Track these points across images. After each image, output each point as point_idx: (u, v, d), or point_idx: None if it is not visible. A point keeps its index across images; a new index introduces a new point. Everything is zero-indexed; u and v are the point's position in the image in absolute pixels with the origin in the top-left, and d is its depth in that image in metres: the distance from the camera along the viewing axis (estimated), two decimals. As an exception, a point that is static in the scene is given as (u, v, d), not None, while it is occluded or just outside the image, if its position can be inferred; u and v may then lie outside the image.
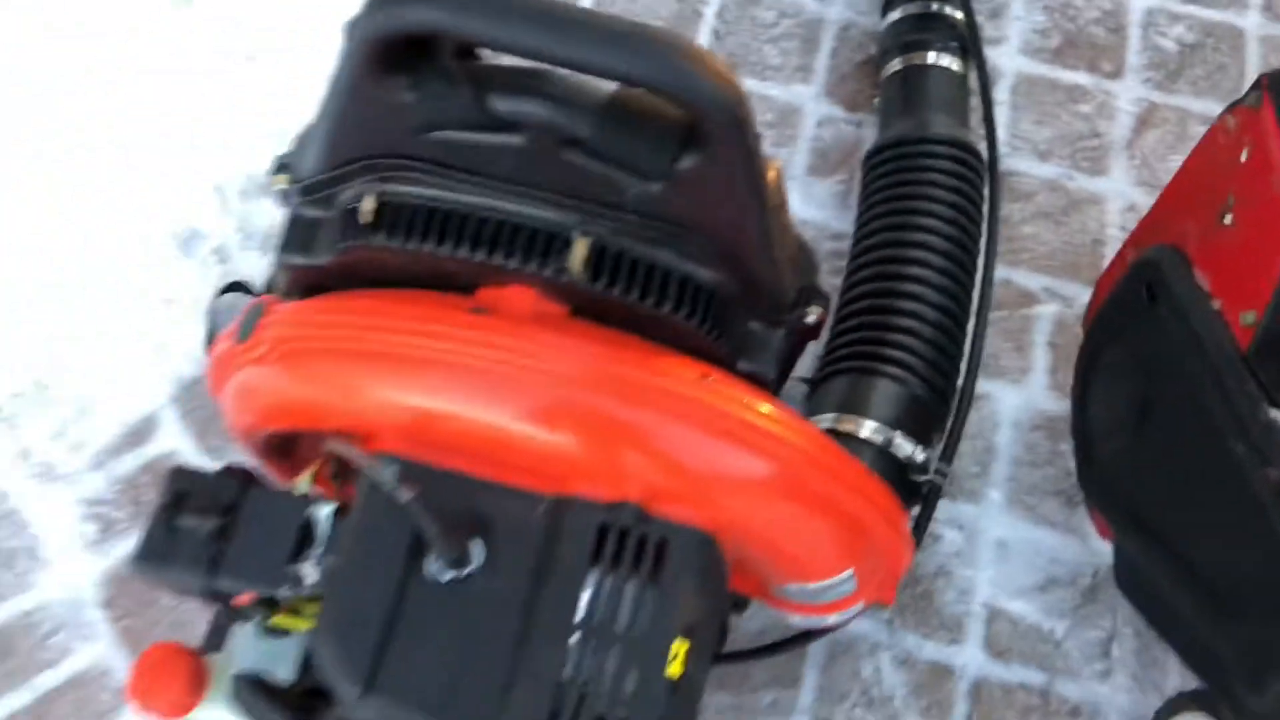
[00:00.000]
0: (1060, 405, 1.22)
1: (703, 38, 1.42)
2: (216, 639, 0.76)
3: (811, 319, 0.76)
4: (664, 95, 0.60)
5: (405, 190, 0.68)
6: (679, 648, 0.66)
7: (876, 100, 1.32)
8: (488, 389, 0.67)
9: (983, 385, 1.24)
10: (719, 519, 0.69)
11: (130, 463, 1.12)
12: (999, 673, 1.11)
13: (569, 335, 0.67)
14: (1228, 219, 0.94)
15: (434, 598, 0.67)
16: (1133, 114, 1.40)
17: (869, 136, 1.33)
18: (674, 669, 0.66)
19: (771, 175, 0.67)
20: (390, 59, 0.61)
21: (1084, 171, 1.37)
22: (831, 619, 0.85)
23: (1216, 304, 0.93)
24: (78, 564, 1.07)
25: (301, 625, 0.74)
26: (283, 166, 0.76)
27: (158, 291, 1.18)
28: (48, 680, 1.03)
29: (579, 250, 0.67)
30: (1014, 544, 1.17)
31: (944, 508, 1.17)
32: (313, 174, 0.72)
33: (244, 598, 0.75)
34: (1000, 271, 1.30)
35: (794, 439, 0.69)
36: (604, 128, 0.62)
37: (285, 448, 0.83)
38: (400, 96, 0.63)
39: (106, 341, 1.15)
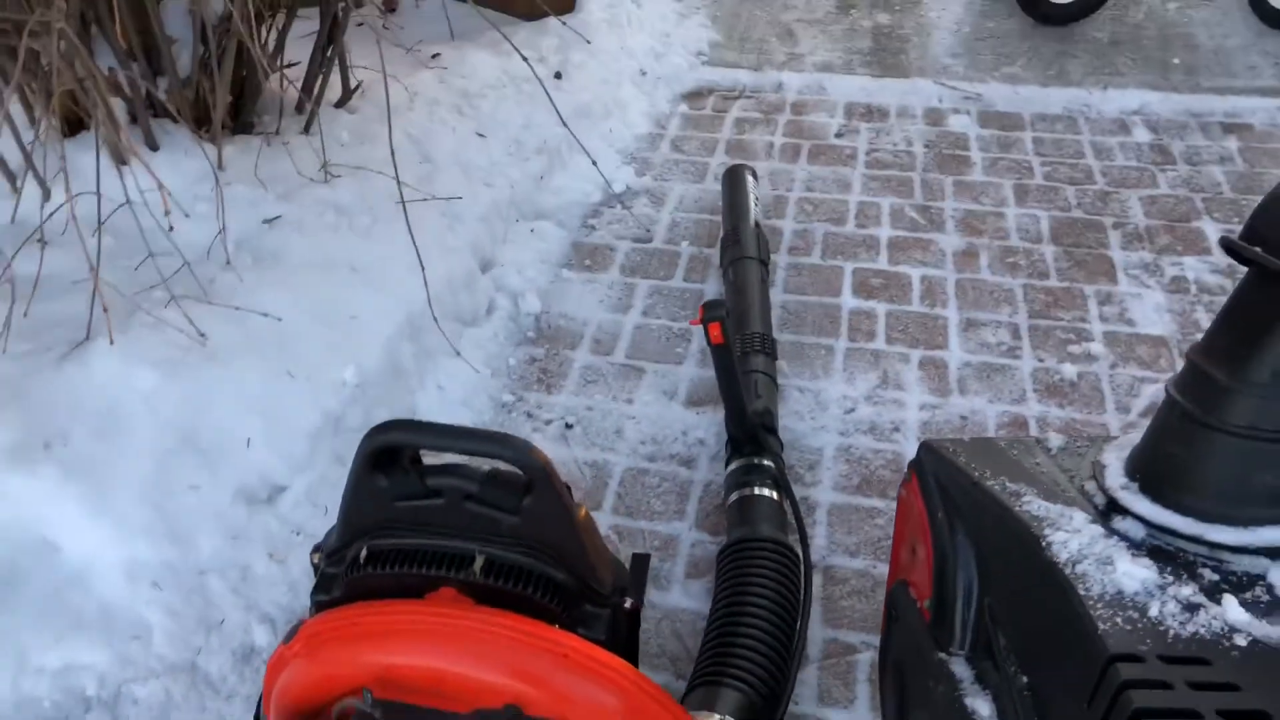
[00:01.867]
0: (878, 720, 1.66)
1: (609, 496, 2.05)
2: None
3: (628, 604, 1.29)
4: (510, 463, 1.19)
5: (383, 542, 1.26)
6: (543, 787, 1.10)
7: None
8: (423, 644, 1.18)
9: (821, 712, 1.69)
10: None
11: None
12: None
13: (475, 610, 1.20)
14: (916, 551, 1.49)
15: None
16: (914, 521, 1.99)
17: (725, 549, 1.91)
18: (539, 799, 1.09)
19: (582, 512, 1.25)
20: (377, 461, 1.22)
21: (882, 562, 1.92)
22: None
23: (918, 603, 1.45)
24: None
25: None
26: (317, 549, 1.34)
27: (226, 691, 1.68)
28: None
29: (479, 562, 1.23)
30: (851, 822, 1.54)
31: (796, 800, 1.56)
32: (333, 546, 1.31)
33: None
34: (828, 632, 1.80)
35: (627, 673, 1.19)
36: (484, 486, 1.21)
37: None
38: (380, 482, 1.22)
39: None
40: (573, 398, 2.28)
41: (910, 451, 2.13)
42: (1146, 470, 1.28)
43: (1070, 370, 2.31)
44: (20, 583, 1.71)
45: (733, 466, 1.95)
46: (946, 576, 1.36)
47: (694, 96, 3.41)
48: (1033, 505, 1.30)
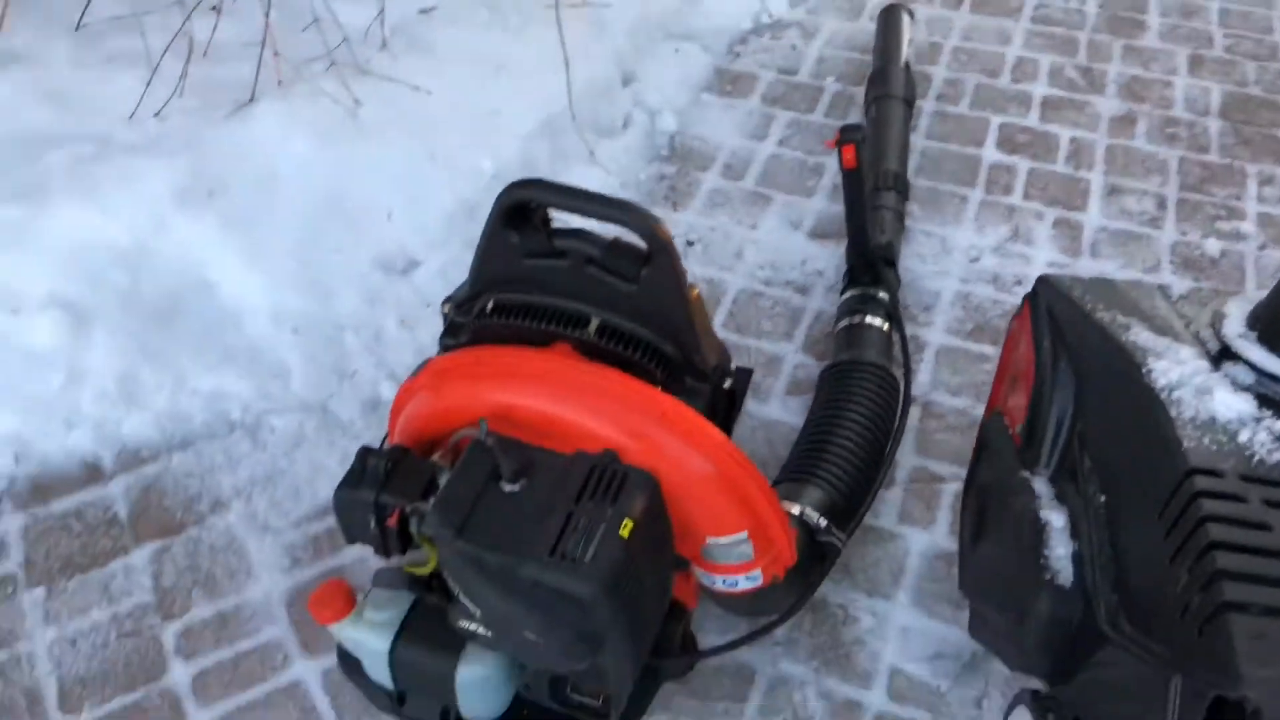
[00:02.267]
0: (954, 545, 1.71)
1: (721, 312, 2.11)
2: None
3: (727, 385, 1.36)
4: (633, 231, 1.25)
5: (509, 296, 1.35)
6: (628, 525, 1.20)
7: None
8: (538, 388, 1.28)
9: (900, 528, 1.75)
10: (665, 475, 1.24)
11: (316, 527, 1.72)
12: (896, 711, 1.53)
13: (587, 364, 1.29)
14: (1016, 381, 1.51)
15: (501, 498, 1.24)
16: (1022, 370, 1.99)
17: (829, 372, 1.96)
18: (624, 533, 1.19)
19: (695, 292, 1.31)
20: (510, 216, 1.30)
21: (982, 403, 1.93)
22: (741, 581, 1.35)
23: (1010, 430, 1.48)
24: (273, 581, 1.65)
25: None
26: (448, 299, 1.45)
27: (354, 433, 1.84)
28: (244, 645, 1.57)
29: (594, 324, 1.31)
30: (914, 629, 1.62)
31: (863, 601, 1.65)
32: (463, 296, 1.40)
33: (394, 518, 1.32)
34: (918, 460, 1.85)
35: (717, 437, 1.26)
36: (606, 252, 1.28)
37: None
38: (512, 238, 1.31)
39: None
40: (697, 217, 2.32)
41: (1029, 305, 2.12)
42: (1268, 321, 1.27)
43: (1213, 246, 2.23)
44: (182, 314, 1.88)
45: (847, 295, 1.98)
46: (1043, 402, 1.39)
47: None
48: (1140, 337, 1.31)
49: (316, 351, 1.91)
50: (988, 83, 2.68)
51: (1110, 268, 2.19)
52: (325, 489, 1.76)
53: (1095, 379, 1.33)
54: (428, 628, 1.39)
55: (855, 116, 2.57)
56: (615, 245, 1.30)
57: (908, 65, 2.51)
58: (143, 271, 1.87)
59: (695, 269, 2.20)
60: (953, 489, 1.81)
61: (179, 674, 1.54)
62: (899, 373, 1.83)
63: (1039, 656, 1.26)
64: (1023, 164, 2.45)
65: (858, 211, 1.92)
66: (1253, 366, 1.24)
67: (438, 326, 1.96)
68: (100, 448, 1.80)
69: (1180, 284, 2.15)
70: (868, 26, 2.85)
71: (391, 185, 2.03)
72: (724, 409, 1.40)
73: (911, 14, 2.71)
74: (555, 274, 1.33)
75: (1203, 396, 1.17)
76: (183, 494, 1.76)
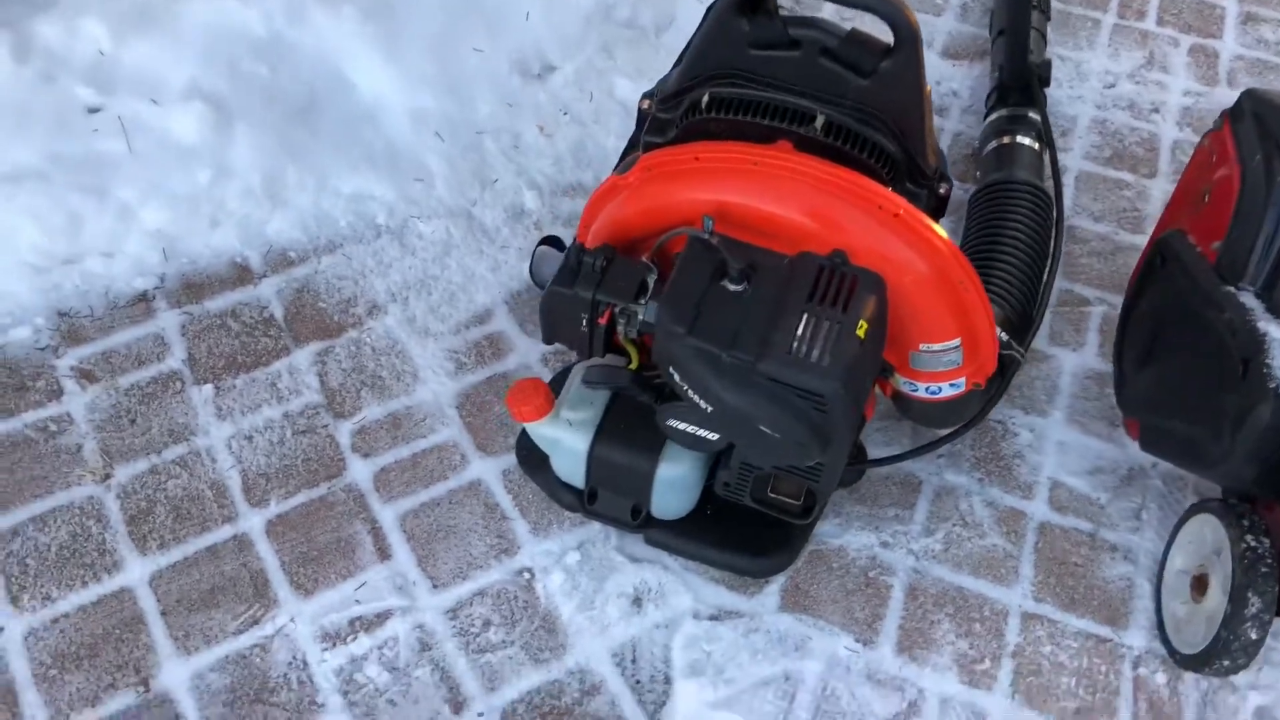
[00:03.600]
0: (1105, 366, 1.73)
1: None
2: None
3: (943, 190, 1.34)
4: (884, 17, 1.21)
5: (727, 90, 1.30)
6: (862, 326, 1.20)
7: (978, 173, 1.93)
8: (761, 185, 1.25)
9: (1051, 349, 1.76)
10: (891, 279, 1.23)
11: (476, 333, 1.71)
12: (1058, 519, 1.57)
13: (816, 161, 1.26)
14: (1206, 199, 1.50)
15: (727, 296, 1.22)
16: (1160, 200, 1.98)
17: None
18: (860, 333, 1.19)
19: (928, 89, 1.27)
20: (743, 3, 1.25)
21: (1126, 230, 1.93)
22: (945, 388, 1.37)
23: (1198, 249, 1.47)
24: (440, 384, 1.65)
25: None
26: (647, 95, 1.40)
27: (500, 241, 1.81)
28: (420, 445, 1.58)
29: (819, 120, 1.27)
30: (1071, 444, 1.65)
31: (1020, 418, 1.67)
32: (669, 91, 1.36)
33: (605, 316, 1.31)
34: (1065, 284, 1.85)
35: (945, 242, 1.25)
36: (845, 43, 1.24)
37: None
38: (743, 25, 1.26)
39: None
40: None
41: (1167, 134, 2.09)
42: None
43: (1352, 80, 2.19)
44: (321, 111, 1.82)
45: (996, 115, 1.93)
46: (1253, 215, 1.37)
47: None
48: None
49: (456, 156, 1.86)
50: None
51: (1247, 98, 2.14)
52: (481, 295, 1.75)
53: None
54: (626, 427, 1.40)
55: (980, -69, 2.46)
56: (854, 36, 1.25)
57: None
58: (282, 64, 1.79)
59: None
60: (1100, 312, 1.82)
61: (359, 470, 1.55)
62: (1051, 191, 1.81)
63: (1247, 465, 1.29)
64: (1158, -18, 2.36)
65: (1022, 27, 1.85)
66: None
67: (574, 138, 1.92)
68: (247, 247, 1.76)
69: None
70: None
71: (528, -18, 1.94)
72: (940, 214, 1.38)
73: None
74: (783, 65, 1.28)
75: None
76: (336, 296, 1.74)
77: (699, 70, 1.33)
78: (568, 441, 1.41)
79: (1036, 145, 1.88)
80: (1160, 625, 1.47)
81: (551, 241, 1.77)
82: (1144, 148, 2.07)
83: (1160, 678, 1.43)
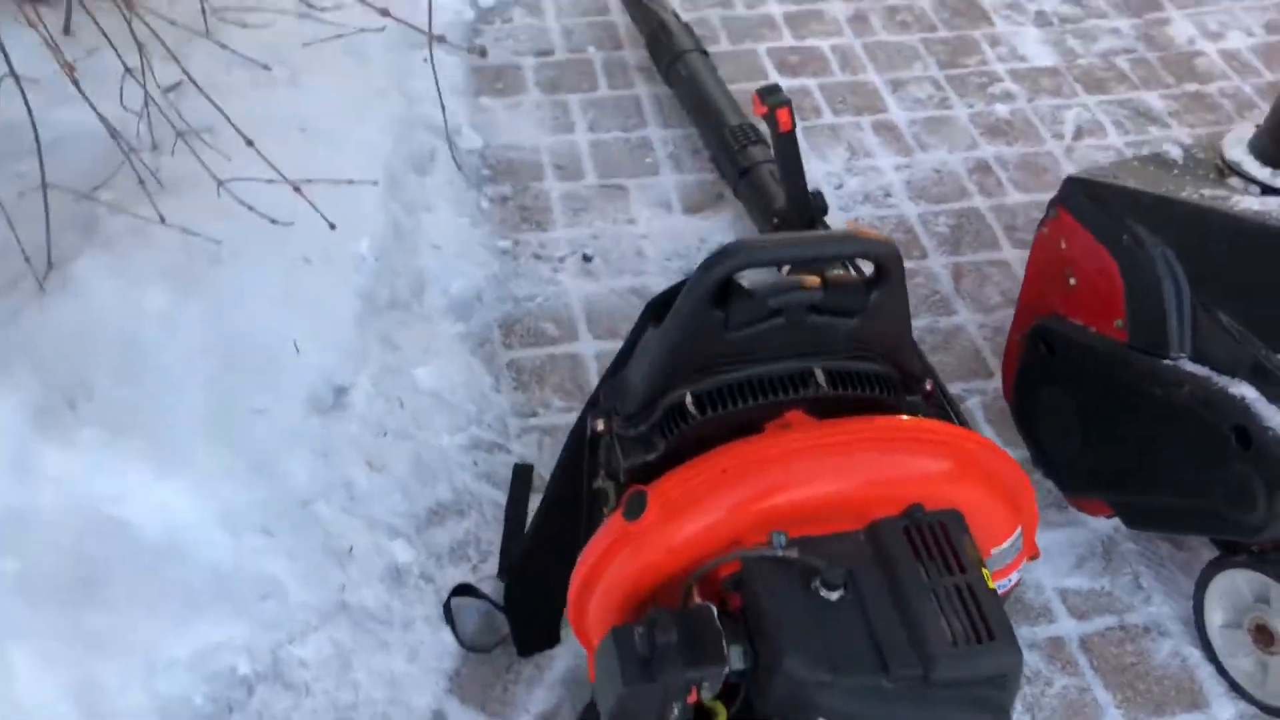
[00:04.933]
0: (1019, 453, 1.74)
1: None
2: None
3: (928, 387, 1.25)
4: (865, 257, 1.09)
5: (710, 382, 1.12)
6: (985, 572, 1.07)
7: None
8: (810, 468, 1.09)
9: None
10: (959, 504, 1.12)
11: None
12: (1089, 627, 1.55)
13: (840, 424, 1.11)
14: (1072, 281, 1.54)
15: (835, 611, 1.04)
16: (947, 276, 2.06)
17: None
18: (990, 583, 1.07)
19: (905, 299, 1.18)
20: (719, 293, 1.07)
21: (943, 315, 1.98)
22: (1013, 577, 1.28)
23: (1093, 329, 1.51)
24: None
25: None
26: (597, 413, 1.18)
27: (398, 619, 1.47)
28: None
29: (820, 377, 1.13)
30: (1046, 546, 1.63)
31: (992, 543, 1.63)
32: (633, 405, 1.15)
33: (693, 695, 1.07)
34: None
35: (978, 443, 1.15)
36: (829, 293, 1.10)
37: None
38: (718, 316, 1.08)
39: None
40: (571, 230, 2.10)
41: (908, 211, 2.19)
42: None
43: (1001, 109, 2.43)
44: (105, 577, 1.38)
45: (796, 257, 1.89)
46: (1149, 290, 1.43)
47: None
48: (1233, 200, 1.39)
49: (294, 545, 1.48)
50: (728, 14, 2.68)
51: (942, 154, 2.31)
52: (418, 697, 1.40)
53: (1203, 249, 1.39)
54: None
55: (643, 83, 2.45)
56: (835, 282, 1.12)
57: (674, 14, 2.43)
58: (26, 543, 1.33)
59: (611, 283, 2.00)
60: (976, 403, 1.84)
61: None
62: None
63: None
64: (810, 83, 2.49)
65: (796, 171, 1.84)
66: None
67: (408, 456, 1.63)
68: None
69: (1000, 151, 2.33)
70: (585, -10, 2.72)
71: (280, 309, 1.60)
72: (936, 412, 1.28)
73: (640, -38, 2.61)
74: (767, 337, 1.12)
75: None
76: (242, 794, 1.31)
77: (670, 373, 1.13)
78: None
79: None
80: (1234, 686, 1.49)
81: (464, 591, 1.48)
82: (900, 230, 2.15)
83: (1270, 737, 1.44)
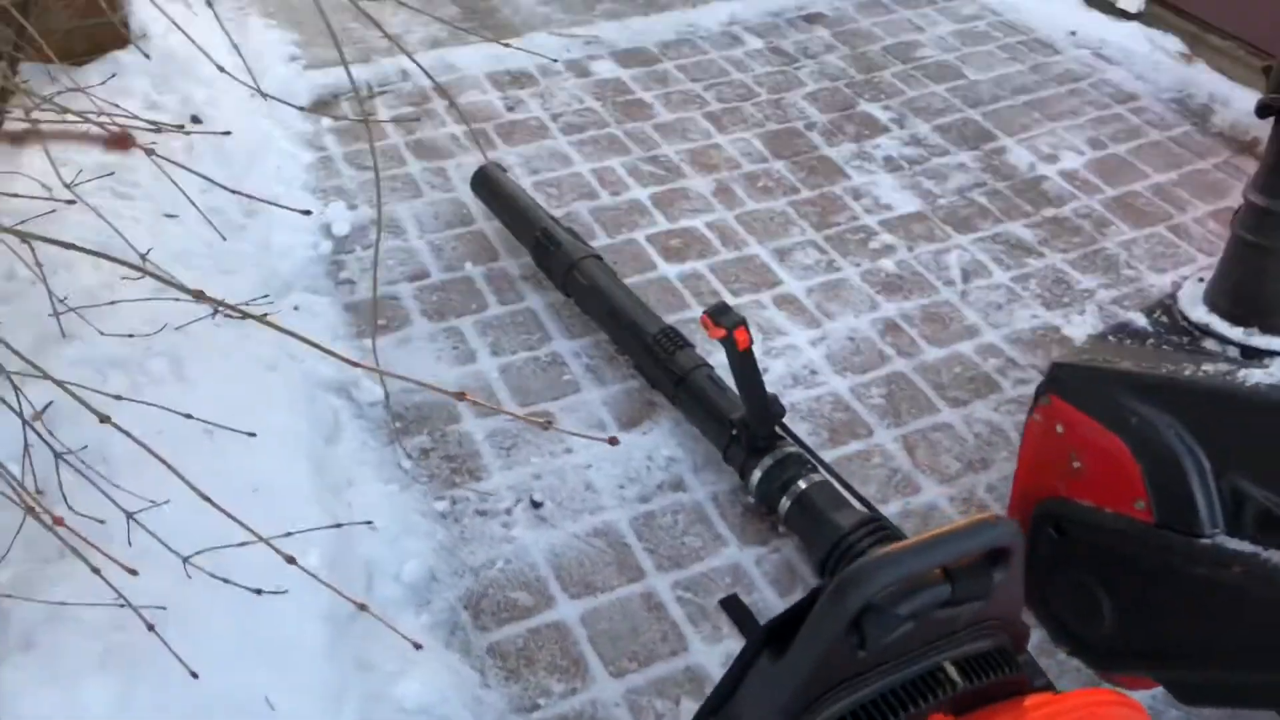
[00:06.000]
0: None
1: (641, 556, 1.80)
2: None
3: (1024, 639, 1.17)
4: (991, 544, 1.00)
5: (841, 705, 0.99)
6: None
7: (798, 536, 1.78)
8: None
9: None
10: None
11: None
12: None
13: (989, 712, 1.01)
14: (1076, 464, 1.52)
15: None
16: (898, 448, 2.02)
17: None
18: None
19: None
20: (851, 621, 0.95)
21: (900, 494, 1.93)
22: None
23: (1108, 510, 1.49)
24: None
25: None
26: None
27: None
28: None
29: (952, 673, 1.02)
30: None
31: None
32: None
33: None
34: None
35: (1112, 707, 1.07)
36: (956, 588, 1.00)
37: None
38: (853, 640, 0.96)
39: None
40: (508, 474, 1.93)
41: (839, 387, 2.16)
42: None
43: (887, 264, 2.46)
44: None
45: (766, 466, 1.80)
46: (1169, 470, 1.42)
47: (324, 106, 2.94)
48: (1240, 375, 1.40)
49: None
50: (596, 205, 2.61)
51: (849, 320, 2.31)
52: None
53: (1225, 422, 1.39)
54: None
55: (534, 293, 2.33)
56: (960, 572, 1.02)
57: (554, 219, 2.34)
58: None
59: (569, 528, 1.83)
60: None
61: None
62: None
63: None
64: (700, 265, 2.44)
65: (756, 382, 1.76)
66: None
67: None
68: None
69: (901, 306, 2.35)
70: (441, 197, 2.59)
71: (241, 661, 1.35)
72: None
73: (502, 167, 2.52)
74: (899, 642, 1.00)
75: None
76: None
77: (798, 709, 0.99)
78: None
79: (818, 475, 1.79)
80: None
81: None
82: (838, 409, 2.11)
83: None
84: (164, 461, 1.25)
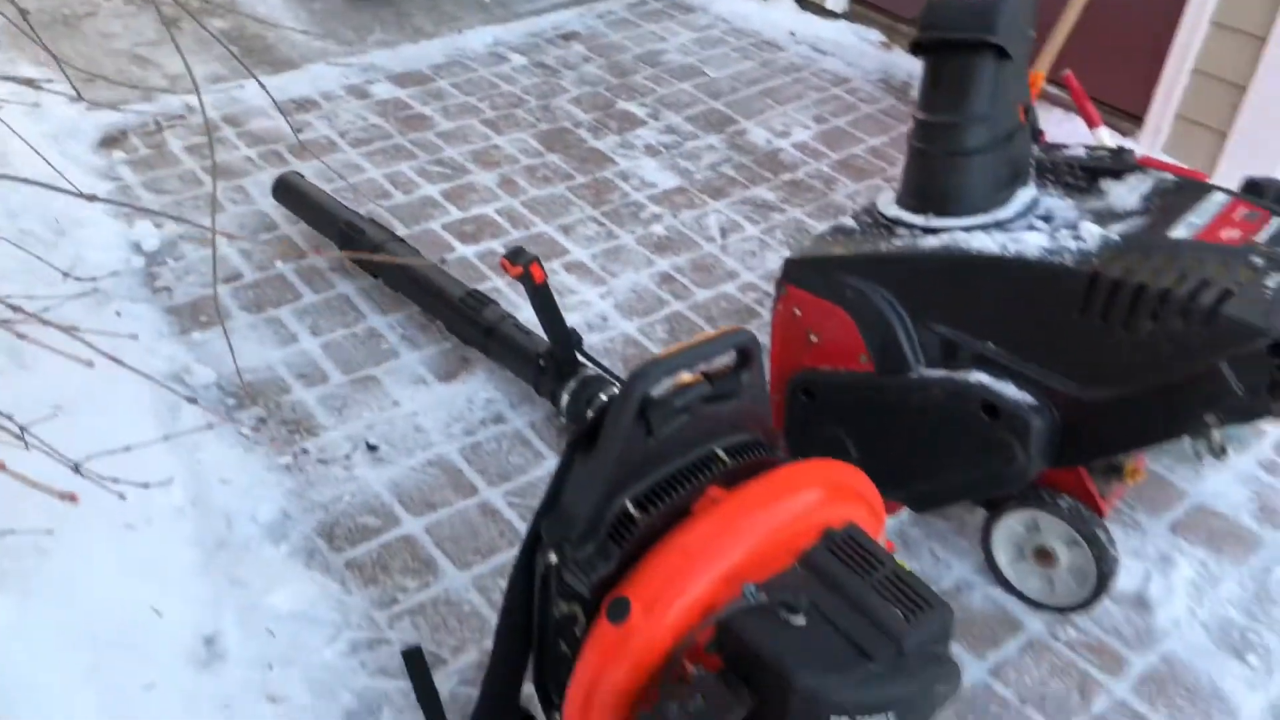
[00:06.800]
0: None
1: (476, 479, 2.05)
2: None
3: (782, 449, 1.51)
4: (734, 348, 1.31)
5: (642, 485, 1.29)
6: (901, 562, 1.33)
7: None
8: (749, 525, 1.29)
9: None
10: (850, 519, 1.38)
11: None
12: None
13: (752, 486, 1.32)
14: (814, 338, 1.90)
15: (810, 632, 1.24)
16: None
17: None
18: (906, 566, 1.32)
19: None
20: (638, 413, 1.24)
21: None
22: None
23: (842, 370, 1.87)
24: None
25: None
26: (546, 547, 1.30)
27: None
28: None
29: (723, 455, 1.35)
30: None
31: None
32: (580, 529, 1.28)
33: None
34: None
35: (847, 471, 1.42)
36: (715, 384, 1.32)
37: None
38: (640, 428, 1.25)
39: None
40: (343, 427, 2.14)
41: (626, 326, 2.49)
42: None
43: (658, 229, 2.83)
44: None
45: (572, 389, 2.09)
46: (878, 326, 1.81)
47: (114, 142, 3.06)
48: (920, 243, 1.81)
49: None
50: (391, 204, 2.86)
51: (630, 275, 2.65)
52: None
53: (914, 282, 1.79)
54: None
55: (340, 281, 2.55)
56: (715, 374, 1.34)
57: (353, 211, 2.57)
58: None
59: (404, 463, 2.06)
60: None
61: None
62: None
63: (1039, 460, 1.72)
64: (494, 244, 2.73)
65: (555, 313, 2.05)
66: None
67: (300, 679, 1.62)
68: None
69: (675, 261, 2.71)
70: (246, 208, 2.78)
71: (126, 580, 1.52)
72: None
73: (299, 175, 2.73)
74: (678, 434, 1.31)
75: (1017, 242, 1.72)
76: None
77: (609, 489, 1.28)
78: None
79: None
80: (1034, 603, 1.87)
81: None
82: (631, 346, 2.43)
83: (1073, 632, 1.83)
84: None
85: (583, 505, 1.30)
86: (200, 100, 1.97)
